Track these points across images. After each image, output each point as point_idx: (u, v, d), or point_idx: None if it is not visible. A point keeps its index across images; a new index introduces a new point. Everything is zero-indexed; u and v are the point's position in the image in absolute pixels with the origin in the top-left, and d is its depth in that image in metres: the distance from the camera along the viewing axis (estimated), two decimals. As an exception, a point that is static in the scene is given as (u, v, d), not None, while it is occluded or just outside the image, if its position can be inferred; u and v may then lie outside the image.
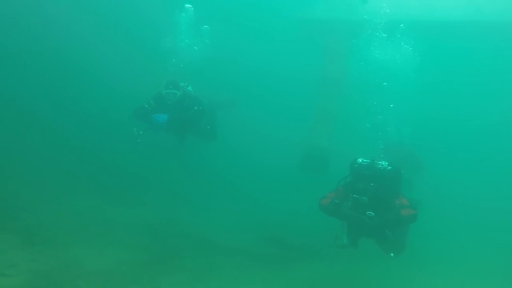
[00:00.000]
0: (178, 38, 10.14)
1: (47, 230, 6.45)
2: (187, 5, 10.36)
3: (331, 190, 5.70)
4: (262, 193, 13.42)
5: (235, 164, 15.16)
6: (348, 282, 7.21)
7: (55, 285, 4.69)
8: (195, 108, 7.57)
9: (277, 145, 16.19)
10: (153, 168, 12.37)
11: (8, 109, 11.52)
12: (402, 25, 9.82)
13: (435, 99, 15.62)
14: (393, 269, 7.56)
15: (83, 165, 10.92)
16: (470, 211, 12.44)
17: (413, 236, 6.11)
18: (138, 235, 7.65)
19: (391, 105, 7.63)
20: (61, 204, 8.05)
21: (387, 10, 9.63)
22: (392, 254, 5.41)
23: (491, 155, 16.23)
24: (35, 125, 11.65)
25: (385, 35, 9.46)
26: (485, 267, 8.43)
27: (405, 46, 9.24)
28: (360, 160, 5.56)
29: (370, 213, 5.13)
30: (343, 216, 5.23)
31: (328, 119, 10.43)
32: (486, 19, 10.23)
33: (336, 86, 10.53)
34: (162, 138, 8.06)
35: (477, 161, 16.36)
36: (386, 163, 5.68)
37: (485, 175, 15.33)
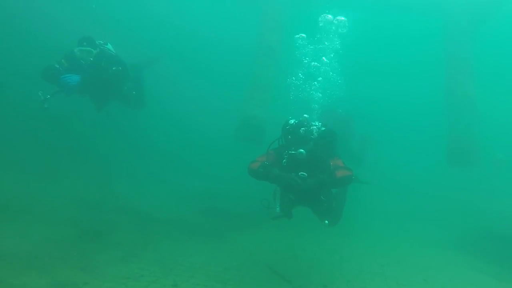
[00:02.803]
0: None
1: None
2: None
3: (261, 154, 5.32)
4: (198, 164, 13.31)
5: (169, 133, 14.81)
6: (284, 249, 7.41)
7: (-31, 270, 4.27)
8: (114, 68, 6.65)
9: (212, 114, 16.02)
10: (81, 138, 11.62)
11: None
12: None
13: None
14: (327, 236, 7.92)
15: (2, 135, 9.93)
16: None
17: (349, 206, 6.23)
18: (65, 210, 7.21)
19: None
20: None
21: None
22: (326, 222, 5.27)
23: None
24: None
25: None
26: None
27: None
28: (292, 121, 5.28)
29: (303, 174, 4.79)
30: (274, 178, 4.81)
31: (264, 89, 10.34)
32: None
33: (273, 55, 10.43)
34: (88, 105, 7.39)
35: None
36: (320, 123, 5.49)
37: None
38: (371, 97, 16.77)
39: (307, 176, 4.80)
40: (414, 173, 14.54)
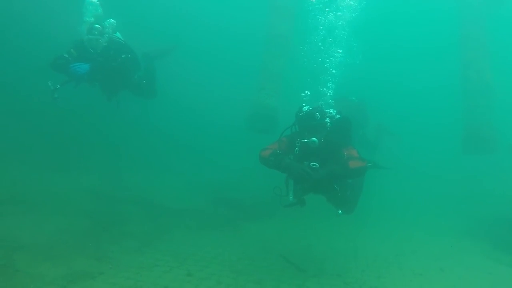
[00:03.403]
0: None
1: (-25, 201, 5.92)
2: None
3: (273, 141, 5.14)
4: (210, 154, 13.30)
5: (180, 124, 14.83)
6: (298, 238, 7.38)
7: (-14, 261, 4.32)
8: (123, 56, 6.57)
9: (224, 105, 15.96)
10: (92, 129, 11.67)
11: None
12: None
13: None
14: (341, 225, 7.85)
15: (15, 129, 10.02)
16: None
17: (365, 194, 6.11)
18: (78, 202, 7.25)
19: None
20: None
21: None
22: (340, 211, 5.16)
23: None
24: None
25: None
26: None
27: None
28: (306, 108, 5.11)
29: (315, 164, 4.61)
30: (285, 168, 4.62)
31: (275, 78, 10.23)
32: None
33: (283, 43, 10.30)
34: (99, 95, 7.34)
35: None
36: (335, 111, 5.30)
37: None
38: (384, 82, 16.49)
39: (319, 167, 4.63)
40: (428, 160, 14.31)
